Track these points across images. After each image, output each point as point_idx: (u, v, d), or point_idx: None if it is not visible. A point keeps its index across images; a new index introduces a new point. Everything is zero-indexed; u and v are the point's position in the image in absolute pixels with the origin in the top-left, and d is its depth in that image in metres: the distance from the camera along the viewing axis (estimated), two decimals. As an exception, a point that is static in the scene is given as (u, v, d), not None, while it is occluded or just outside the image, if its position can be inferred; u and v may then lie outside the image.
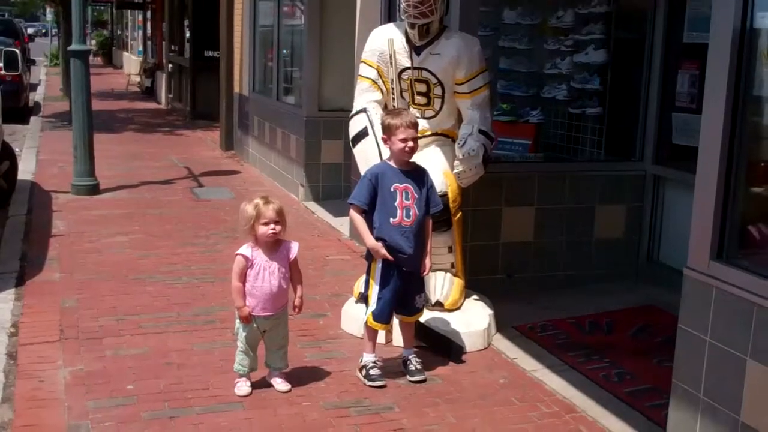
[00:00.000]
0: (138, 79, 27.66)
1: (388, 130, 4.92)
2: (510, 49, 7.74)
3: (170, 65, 21.52)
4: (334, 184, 10.08)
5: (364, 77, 5.88)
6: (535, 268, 6.82)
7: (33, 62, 18.26)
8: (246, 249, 4.71)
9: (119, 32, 42.06)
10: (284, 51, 11.62)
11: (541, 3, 7.61)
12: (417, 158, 5.33)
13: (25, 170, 11.52)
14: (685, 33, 6.60)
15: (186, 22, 19.66)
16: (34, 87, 25.26)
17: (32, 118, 18.13)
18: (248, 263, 4.68)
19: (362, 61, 5.92)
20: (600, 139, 7.21)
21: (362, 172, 5.65)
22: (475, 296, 6.04)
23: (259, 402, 4.74)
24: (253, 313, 4.69)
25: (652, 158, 7.00)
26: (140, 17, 32.25)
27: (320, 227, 9.00)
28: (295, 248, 4.78)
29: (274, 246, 4.71)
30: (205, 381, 4.96)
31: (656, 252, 7.10)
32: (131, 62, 32.26)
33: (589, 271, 6.97)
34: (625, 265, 7.11)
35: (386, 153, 5.47)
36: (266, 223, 4.61)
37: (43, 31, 71.35)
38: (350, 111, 5.96)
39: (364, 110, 5.78)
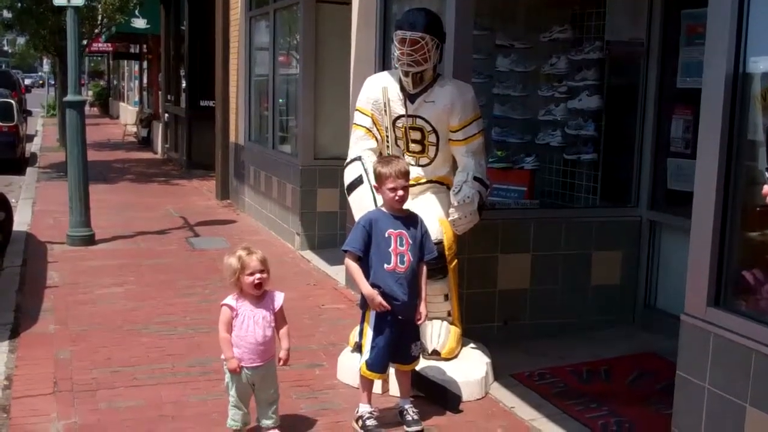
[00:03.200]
0: (134, 129, 27.77)
1: (379, 179, 4.92)
2: (504, 96, 7.76)
3: (166, 115, 21.61)
4: (330, 232, 10.05)
5: (358, 125, 5.89)
6: (531, 315, 6.79)
7: (29, 113, 18.30)
8: (231, 299, 4.70)
9: (116, 82, 42.34)
10: (280, 100, 11.67)
11: (534, 50, 7.64)
12: (412, 205, 5.34)
13: (21, 221, 11.49)
14: (678, 78, 6.63)
15: (182, 72, 19.78)
16: (30, 138, 25.33)
17: (28, 169, 18.15)
18: (233, 313, 4.65)
19: (357, 110, 5.93)
20: (595, 185, 7.22)
21: (357, 219, 5.65)
22: (472, 344, 6.00)
23: (254, 454, 4.69)
24: (241, 364, 4.64)
25: (648, 204, 7.00)
26: (137, 68, 32.49)
27: (316, 276, 8.96)
28: (280, 298, 4.75)
29: (260, 296, 4.69)
30: (199, 434, 4.91)
31: (653, 298, 7.07)
32: (127, 112, 32.42)
33: (586, 317, 6.93)
34: (622, 312, 7.08)
35: (381, 201, 5.46)
36: (251, 273, 4.59)
37: (40, 81, 71.77)
38: (345, 159, 5.96)
39: (359, 158, 5.78)
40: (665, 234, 6.96)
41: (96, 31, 19.39)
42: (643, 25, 6.94)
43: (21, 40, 77.93)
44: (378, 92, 5.76)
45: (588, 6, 7.34)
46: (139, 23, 22.09)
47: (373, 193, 5.51)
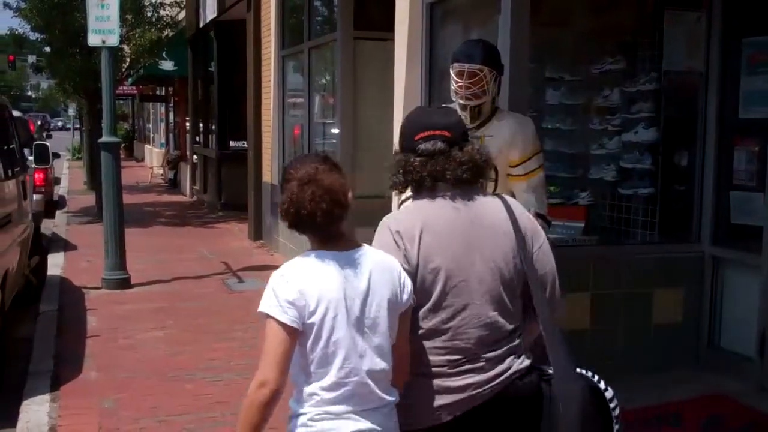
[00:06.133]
0: (161, 171, 27.75)
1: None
2: (553, 129, 7.54)
3: (195, 157, 21.54)
4: (370, 272, 9.82)
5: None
6: (592, 356, 6.48)
7: (57, 155, 18.30)
8: None
9: (140, 125, 42.51)
10: (316, 140, 11.51)
11: (585, 82, 7.43)
12: None
13: (54, 264, 11.35)
14: (740, 108, 6.40)
15: (210, 113, 19.74)
16: (57, 181, 25.33)
17: (58, 213, 18.06)
18: None
19: (412, 146, 5.71)
20: (653, 220, 6.96)
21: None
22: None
23: None
24: None
25: (710, 239, 6.74)
26: (162, 110, 32.57)
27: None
28: None
29: None
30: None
31: (717, 337, 6.78)
32: (153, 155, 32.46)
33: (648, 358, 6.64)
34: (685, 352, 6.78)
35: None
36: None
37: (59, 125, 72.45)
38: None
39: (414, 197, 5.55)
40: (729, 270, 6.69)
41: (123, 72, 19.40)
42: (701, 55, 6.73)
43: (44, 85, 78.88)
44: (434, 127, 5.54)
45: (641, 36, 7.13)
46: (167, 65, 22.12)
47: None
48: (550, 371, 3.11)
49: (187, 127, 23.51)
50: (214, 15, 17.20)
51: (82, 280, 10.46)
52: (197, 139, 21.65)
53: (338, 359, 2.72)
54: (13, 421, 5.82)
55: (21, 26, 18.55)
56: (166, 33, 19.34)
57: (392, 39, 7.96)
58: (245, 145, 15.19)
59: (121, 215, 10.34)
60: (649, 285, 6.62)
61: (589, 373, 3.19)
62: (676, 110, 7.04)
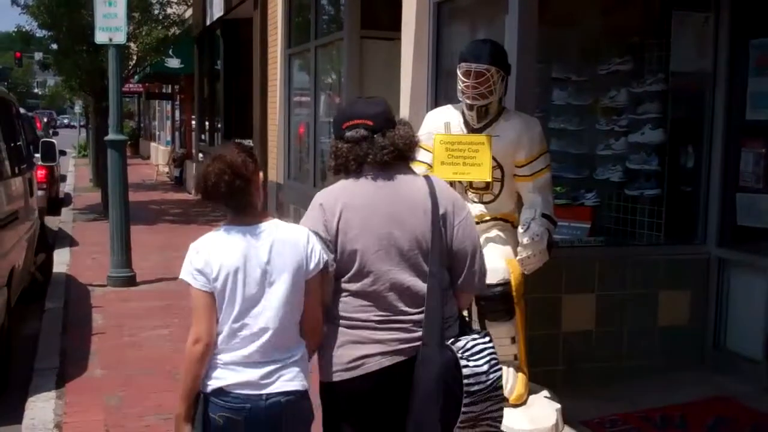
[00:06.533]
0: (166, 169, 27.75)
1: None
2: (560, 130, 7.53)
3: (200, 154, 21.54)
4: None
5: (420, 162, 5.62)
6: (597, 357, 6.50)
7: (63, 153, 18.29)
8: None
9: (146, 123, 42.54)
10: (322, 138, 11.51)
11: (592, 83, 7.42)
12: None
13: (60, 262, 11.36)
14: (747, 110, 6.39)
15: (217, 111, 19.74)
16: (63, 178, 25.36)
17: (63, 210, 18.08)
18: None
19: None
20: (659, 221, 6.94)
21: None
22: (543, 392, 5.71)
23: None
24: None
25: (716, 240, 6.73)
26: (168, 107, 32.59)
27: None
28: None
29: None
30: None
31: (723, 339, 6.77)
32: (159, 152, 32.47)
33: (653, 360, 6.63)
34: (690, 354, 6.77)
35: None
36: None
37: (66, 122, 72.49)
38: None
39: (420, 195, 5.54)
40: (735, 272, 6.68)
41: (129, 70, 19.40)
42: (709, 56, 6.71)
43: (51, 82, 78.95)
44: (440, 127, 5.53)
45: (649, 37, 7.11)
46: (173, 63, 22.11)
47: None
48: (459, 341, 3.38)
49: (193, 125, 23.52)
50: (221, 13, 17.22)
51: (87, 278, 10.46)
52: (203, 137, 21.66)
53: (235, 315, 3.19)
54: (18, 417, 5.83)
55: (28, 23, 18.52)
56: (172, 31, 19.33)
57: (399, 38, 7.96)
58: (251, 143, 15.18)
59: (127, 213, 10.35)
60: (655, 286, 6.61)
61: (469, 345, 3.35)
62: (683, 111, 7.03)
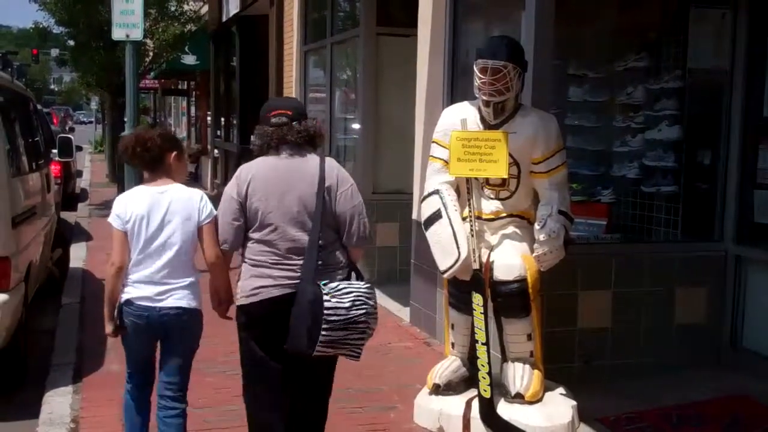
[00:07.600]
0: (182, 164, 27.78)
1: None
2: (576, 127, 7.52)
3: (216, 150, 21.58)
4: (390, 267, 9.83)
5: (436, 158, 5.65)
6: (613, 354, 6.49)
7: (80, 148, 18.37)
8: None
9: (162, 119, 42.68)
10: (338, 135, 11.52)
11: (609, 80, 7.40)
12: (493, 241, 5.34)
13: (76, 257, 11.39)
14: (765, 107, 6.36)
15: (232, 108, 19.77)
16: (79, 173, 25.46)
17: (80, 205, 18.15)
18: None
19: (434, 141, 5.70)
20: (675, 218, 6.93)
21: (436, 256, 5.41)
22: (559, 389, 5.70)
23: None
24: None
25: (733, 238, 6.70)
26: (184, 104, 32.67)
27: (378, 312, 8.70)
28: None
29: None
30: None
31: (740, 337, 6.75)
32: (175, 148, 32.49)
33: (669, 357, 6.62)
34: (706, 352, 6.76)
35: (462, 235, 5.24)
36: None
37: (82, 118, 72.77)
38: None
39: (436, 192, 5.51)
40: (752, 269, 6.66)
41: (145, 66, 19.48)
42: (726, 53, 6.69)
43: (67, 78, 79.24)
44: (456, 123, 5.51)
45: (666, 33, 7.10)
46: (189, 59, 22.17)
47: (453, 227, 5.28)
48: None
49: (209, 121, 23.57)
50: (237, 10, 17.24)
51: (103, 273, 10.38)
52: (218, 133, 21.69)
53: (140, 248, 4.37)
54: (35, 412, 5.85)
55: (45, 20, 18.65)
56: (188, 27, 19.39)
57: (415, 35, 7.96)
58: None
59: (144, 208, 10.36)
60: (672, 284, 6.61)
61: (341, 287, 4.19)
62: (700, 108, 7.02)
